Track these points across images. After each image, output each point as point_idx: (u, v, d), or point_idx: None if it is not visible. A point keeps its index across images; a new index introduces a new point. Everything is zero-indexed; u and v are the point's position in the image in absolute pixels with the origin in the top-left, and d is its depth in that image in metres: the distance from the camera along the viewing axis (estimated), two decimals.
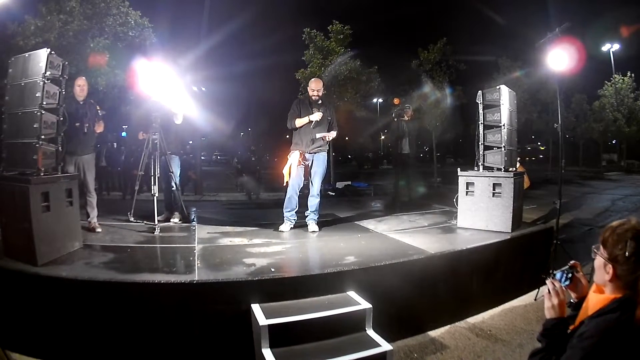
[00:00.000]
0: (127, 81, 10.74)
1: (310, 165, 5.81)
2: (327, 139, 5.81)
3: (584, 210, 10.87)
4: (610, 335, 1.48)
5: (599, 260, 1.63)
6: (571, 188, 15.81)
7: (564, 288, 1.77)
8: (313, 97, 5.82)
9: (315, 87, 5.84)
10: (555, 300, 1.72)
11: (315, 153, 5.80)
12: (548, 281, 1.78)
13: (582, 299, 1.78)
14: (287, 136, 6.31)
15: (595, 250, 1.66)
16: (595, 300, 1.64)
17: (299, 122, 5.74)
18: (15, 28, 9.70)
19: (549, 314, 1.74)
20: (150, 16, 11.76)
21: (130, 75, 9.85)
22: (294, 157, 5.74)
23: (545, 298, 1.76)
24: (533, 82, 19.24)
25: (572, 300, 1.84)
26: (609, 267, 1.57)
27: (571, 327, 1.68)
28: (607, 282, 1.60)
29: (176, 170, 6.26)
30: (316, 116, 5.68)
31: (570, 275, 1.81)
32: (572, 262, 1.87)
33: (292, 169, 5.74)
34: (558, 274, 1.82)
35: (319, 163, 5.83)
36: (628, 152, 32.35)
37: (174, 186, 6.24)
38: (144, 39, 11.62)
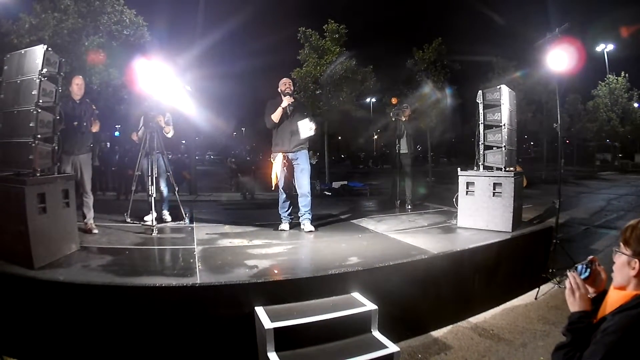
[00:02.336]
0: (124, 80, 10.67)
1: (296, 163, 5.76)
2: (312, 130, 5.69)
3: (580, 209, 10.90)
4: (633, 332, 1.48)
5: (621, 260, 1.64)
6: (566, 188, 15.86)
7: (583, 282, 1.77)
8: (286, 92, 5.78)
9: (285, 82, 5.88)
10: (577, 294, 1.74)
11: (298, 151, 5.74)
12: (569, 274, 1.80)
13: (600, 293, 1.79)
14: None
15: (616, 250, 1.67)
16: (616, 297, 1.65)
17: (275, 115, 5.69)
18: (9, 26, 9.61)
19: (572, 307, 1.75)
20: (145, 15, 11.72)
21: (127, 73, 9.77)
22: (277, 161, 5.71)
23: (567, 293, 1.78)
24: (529, 82, 19.25)
25: (589, 295, 1.83)
26: (635, 262, 1.58)
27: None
28: (632, 278, 1.60)
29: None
30: (286, 100, 5.66)
31: (589, 268, 1.80)
32: (590, 257, 1.87)
33: (278, 173, 5.71)
34: (578, 267, 1.82)
35: (304, 160, 5.78)
36: (622, 151, 32.60)
37: (168, 185, 6.20)
38: (138, 37, 11.56)
